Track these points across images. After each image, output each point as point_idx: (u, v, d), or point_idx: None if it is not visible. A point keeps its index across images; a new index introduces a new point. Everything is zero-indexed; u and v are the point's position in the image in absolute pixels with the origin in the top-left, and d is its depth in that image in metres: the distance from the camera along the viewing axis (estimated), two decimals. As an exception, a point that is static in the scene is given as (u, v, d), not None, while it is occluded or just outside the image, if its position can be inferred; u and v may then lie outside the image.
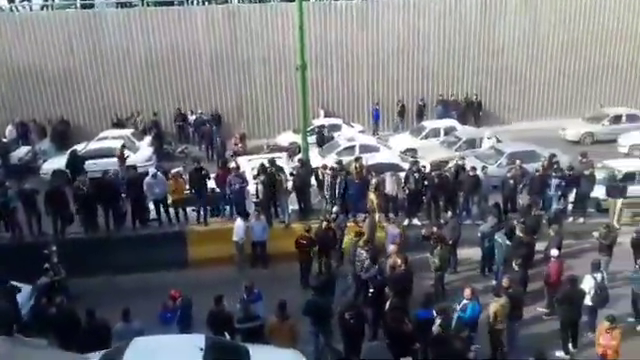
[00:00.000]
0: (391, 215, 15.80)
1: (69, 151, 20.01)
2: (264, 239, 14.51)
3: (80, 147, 21.00)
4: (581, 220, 16.22)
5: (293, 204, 16.18)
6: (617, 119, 24.43)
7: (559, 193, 15.65)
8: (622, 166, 17.42)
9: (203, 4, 25.85)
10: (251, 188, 15.88)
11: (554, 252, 12.23)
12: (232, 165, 16.28)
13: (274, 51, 25.65)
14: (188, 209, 15.76)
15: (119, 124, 25.10)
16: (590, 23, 27.21)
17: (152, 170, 15.61)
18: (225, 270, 14.09)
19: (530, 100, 28.00)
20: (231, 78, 25.95)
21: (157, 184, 15.14)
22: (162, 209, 15.56)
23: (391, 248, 12.50)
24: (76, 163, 18.68)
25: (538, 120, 27.59)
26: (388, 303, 10.72)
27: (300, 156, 16.85)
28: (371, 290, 11.45)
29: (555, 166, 16.62)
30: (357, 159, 16.48)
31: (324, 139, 22.09)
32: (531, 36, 27.03)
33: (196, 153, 23.22)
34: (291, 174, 15.83)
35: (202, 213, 15.48)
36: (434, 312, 10.01)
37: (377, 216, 15.81)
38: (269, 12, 25.40)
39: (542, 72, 27.61)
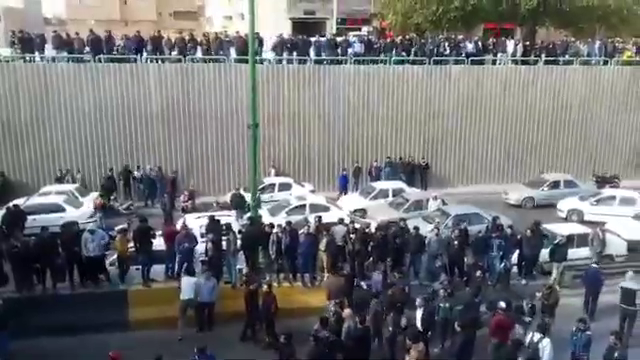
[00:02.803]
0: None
1: (5, 206, 19.24)
2: (213, 300, 14.10)
3: (20, 202, 20.25)
4: (523, 282, 16.64)
5: (241, 263, 15.94)
6: (555, 185, 25.60)
7: (501, 254, 16.10)
8: (562, 230, 18.19)
9: (156, 62, 25.96)
10: (199, 246, 15.62)
11: (501, 304, 12.43)
12: (182, 224, 15.98)
13: (226, 109, 25.86)
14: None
15: (62, 179, 24.45)
16: (528, 93, 28.87)
17: (91, 225, 15.12)
18: (168, 332, 13.53)
19: (474, 164, 29.04)
20: (182, 134, 25.86)
21: (94, 240, 14.56)
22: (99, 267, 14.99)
23: (346, 312, 12.37)
24: (12, 219, 17.89)
25: (482, 184, 28.61)
26: None
27: (249, 214, 16.77)
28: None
29: (499, 228, 17.19)
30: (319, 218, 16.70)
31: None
32: (473, 103, 28.36)
33: (143, 210, 22.77)
34: (239, 232, 15.67)
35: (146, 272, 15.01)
36: None
37: (326, 276, 15.84)
38: (222, 71, 25.77)
39: (484, 138, 28.85)
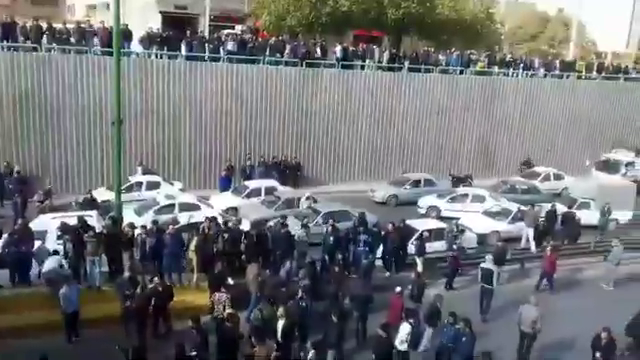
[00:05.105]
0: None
1: None
2: (78, 307, 13.13)
3: None
4: (387, 274, 17.60)
5: (104, 265, 15.15)
6: (417, 183, 27.35)
7: (367, 249, 16.89)
8: (421, 225, 19.58)
9: (9, 50, 23.71)
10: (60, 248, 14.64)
11: (397, 288, 13.49)
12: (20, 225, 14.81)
13: (88, 103, 24.31)
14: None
15: None
16: (393, 98, 30.51)
17: None
18: (21, 342, 12.40)
19: (344, 164, 30.14)
20: (37, 130, 23.85)
21: None
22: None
23: (227, 311, 12.45)
24: None
25: (351, 182, 29.74)
26: None
27: (112, 214, 15.99)
28: None
29: (365, 224, 18.06)
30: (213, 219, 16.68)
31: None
32: (343, 106, 29.42)
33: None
34: (100, 232, 14.84)
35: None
36: None
37: (195, 276, 15.57)
38: (84, 63, 24.22)
39: (353, 139, 30.04)
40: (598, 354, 12.02)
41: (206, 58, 26.93)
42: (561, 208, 22.71)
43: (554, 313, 15.05)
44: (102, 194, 22.09)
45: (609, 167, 31.16)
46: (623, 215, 23.97)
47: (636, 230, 23.40)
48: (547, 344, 13.94)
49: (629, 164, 31.02)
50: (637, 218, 24.52)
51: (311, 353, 11.04)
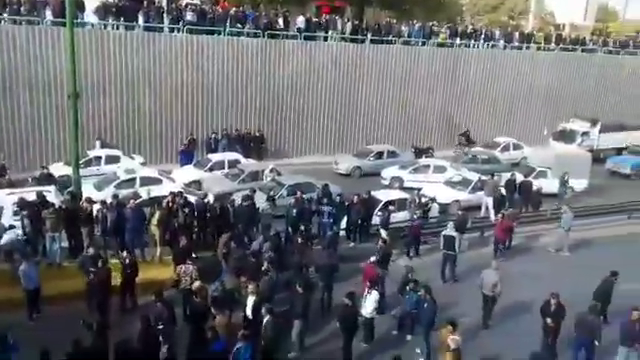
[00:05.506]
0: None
1: None
2: (38, 284, 12.86)
3: None
4: (351, 244, 17.81)
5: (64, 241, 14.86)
6: (380, 155, 27.55)
7: (331, 220, 17.03)
8: (384, 196, 19.82)
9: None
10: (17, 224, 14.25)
11: (372, 258, 13.94)
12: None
13: (42, 76, 23.49)
14: None
15: None
16: (357, 69, 30.38)
17: None
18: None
19: (307, 136, 30.05)
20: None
21: None
22: None
23: (196, 284, 12.37)
24: None
25: (315, 155, 29.74)
26: None
27: (70, 189, 15.63)
28: None
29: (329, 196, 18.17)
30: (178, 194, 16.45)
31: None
32: (307, 78, 29.21)
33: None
34: (59, 208, 14.52)
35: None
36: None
37: (159, 250, 15.46)
38: (37, 35, 23.28)
39: (317, 111, 29.92)
40: (549, 320, 12.47)
41: (165, 29, 26.27)
42: (520, 177, 23.29)
43: (512, 278, 15.55)
44: (59, 169, 21.50)
45: (566, 137, 31.94)
46: (579, 184, 24.74)
47: (591, 198, 24.26)
48: (507, 306, 14.43)
49: (585, 134, 31.87)
50: (592, 186, 25.39)
51: (267, 318, 11.15)
